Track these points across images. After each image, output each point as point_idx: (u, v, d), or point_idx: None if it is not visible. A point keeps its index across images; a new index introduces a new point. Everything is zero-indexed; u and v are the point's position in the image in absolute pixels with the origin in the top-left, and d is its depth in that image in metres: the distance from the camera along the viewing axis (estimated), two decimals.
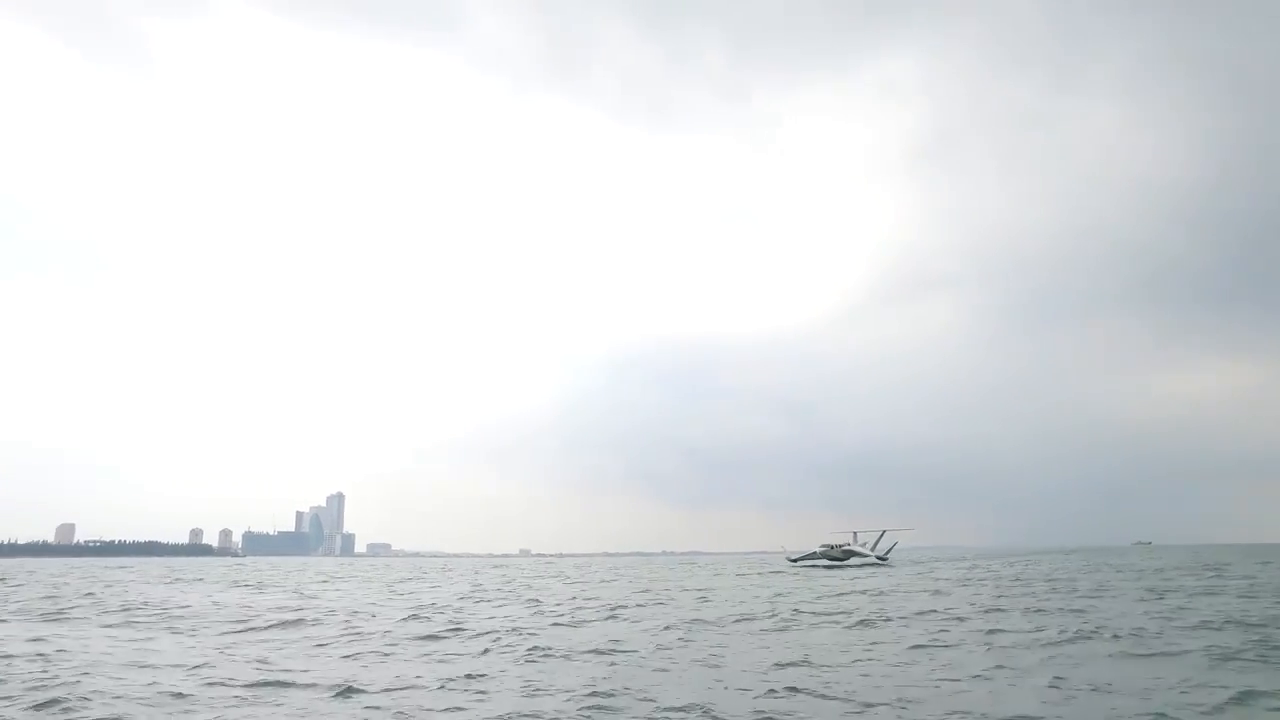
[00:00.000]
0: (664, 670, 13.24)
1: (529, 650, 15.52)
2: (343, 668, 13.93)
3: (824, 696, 10.78)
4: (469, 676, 12.64)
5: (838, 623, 20.22)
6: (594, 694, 11.06)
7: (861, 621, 20.11)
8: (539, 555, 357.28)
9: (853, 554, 77.02)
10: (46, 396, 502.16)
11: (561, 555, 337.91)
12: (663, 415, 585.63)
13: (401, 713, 10.16)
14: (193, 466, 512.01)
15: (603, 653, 15.21)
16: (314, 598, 33.52)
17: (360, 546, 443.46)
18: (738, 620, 21.09)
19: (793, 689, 11.17)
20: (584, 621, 21.75)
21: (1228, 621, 17.85)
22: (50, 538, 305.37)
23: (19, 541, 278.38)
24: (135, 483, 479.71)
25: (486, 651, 15.71)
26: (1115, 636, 15.83)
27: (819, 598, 29.32)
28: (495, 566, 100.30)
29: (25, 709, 10.41)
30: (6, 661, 14.34)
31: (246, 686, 11.95)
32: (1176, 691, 10.65)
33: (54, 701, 10.76)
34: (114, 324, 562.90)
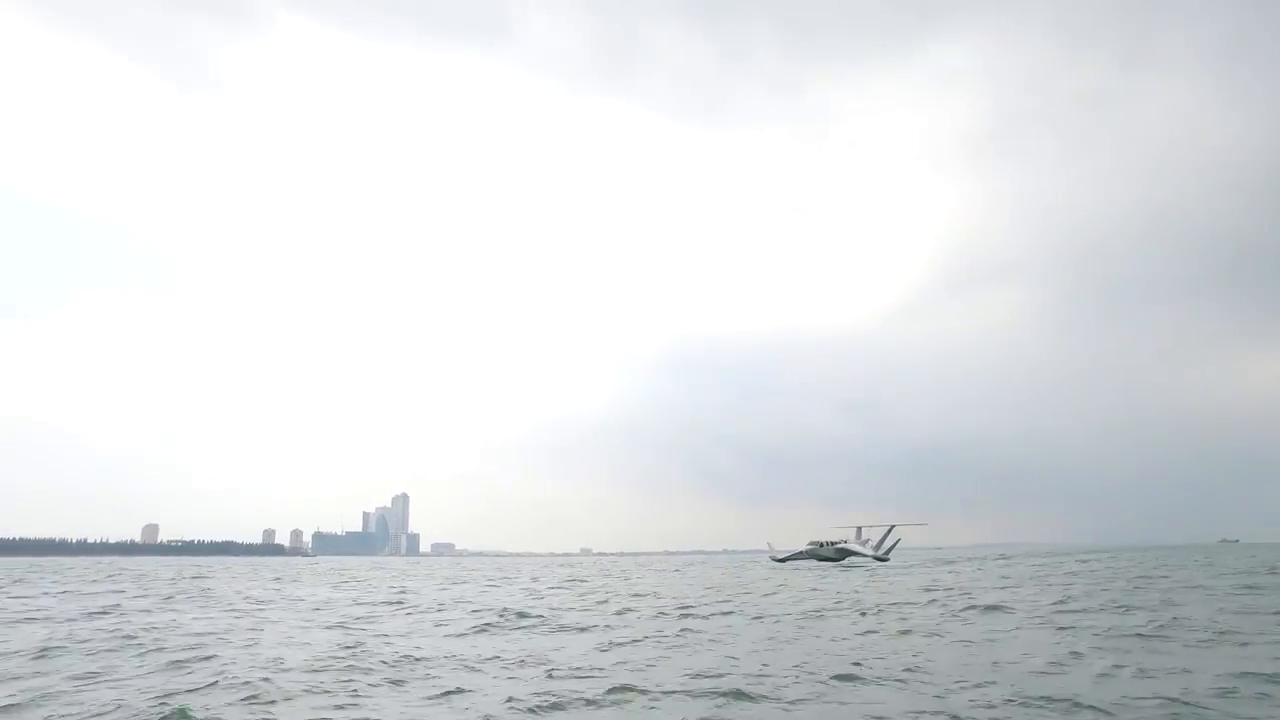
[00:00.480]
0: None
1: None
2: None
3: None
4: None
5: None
6: None
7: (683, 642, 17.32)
8: (600, 554, 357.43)
9: (849, 553, 69.54)
10: (129, 403, 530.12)
11: (622, 554, 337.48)
12: (721, 414, 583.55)
13: None
14: (264, 468, 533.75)
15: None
16: (482, 596, 32.31)
17: (425, 546, 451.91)
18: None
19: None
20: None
21: None
22: (137, 537, 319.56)
23: (110, 540, 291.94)
24: (210, 485, 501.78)
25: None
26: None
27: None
28: (562, 565, 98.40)
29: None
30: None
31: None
32: None
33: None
34: (191, 334, 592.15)
